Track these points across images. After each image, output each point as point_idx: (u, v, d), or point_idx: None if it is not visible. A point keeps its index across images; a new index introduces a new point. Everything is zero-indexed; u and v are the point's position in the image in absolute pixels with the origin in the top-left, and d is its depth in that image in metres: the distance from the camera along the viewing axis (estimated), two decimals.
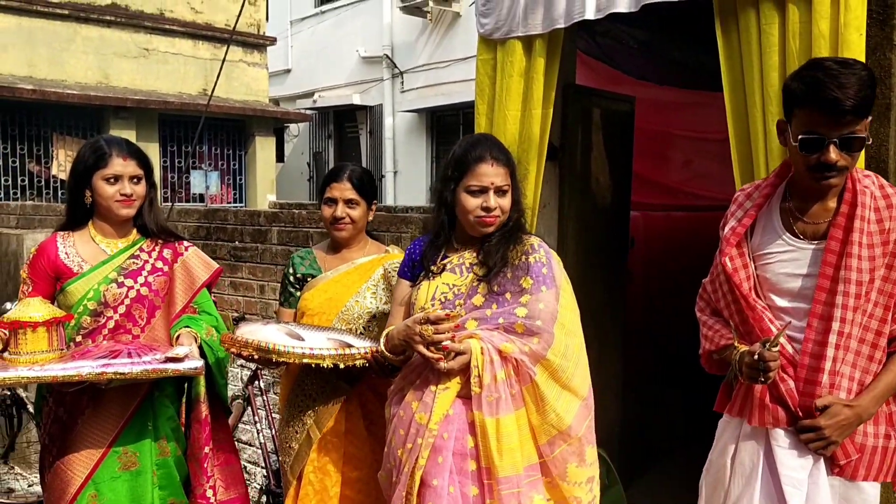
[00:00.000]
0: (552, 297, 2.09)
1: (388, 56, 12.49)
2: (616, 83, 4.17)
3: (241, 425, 4.28)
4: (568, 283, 2.18)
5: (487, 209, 2.12)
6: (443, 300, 2.16)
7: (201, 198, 11.67)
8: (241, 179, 12.13)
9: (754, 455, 1.97)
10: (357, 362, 2.32)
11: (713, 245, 2.12)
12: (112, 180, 2.41)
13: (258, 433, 3.89)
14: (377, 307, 2.54)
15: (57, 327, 2.26)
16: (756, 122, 2.36)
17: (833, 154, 1.79)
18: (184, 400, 2.59)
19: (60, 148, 10.35)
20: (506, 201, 2.15)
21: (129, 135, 9.43)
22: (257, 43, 12.03)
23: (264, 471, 3.90)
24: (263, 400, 3.93)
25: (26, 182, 10.18)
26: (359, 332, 2.50)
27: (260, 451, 3.90)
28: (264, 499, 3.82)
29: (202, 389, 2.48)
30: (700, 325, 2.17)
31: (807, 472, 1.89)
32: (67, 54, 10.24)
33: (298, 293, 2.62)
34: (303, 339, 2.35)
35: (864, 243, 1.83)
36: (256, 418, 3.89)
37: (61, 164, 10.32)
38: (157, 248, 2.54)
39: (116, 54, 10.64)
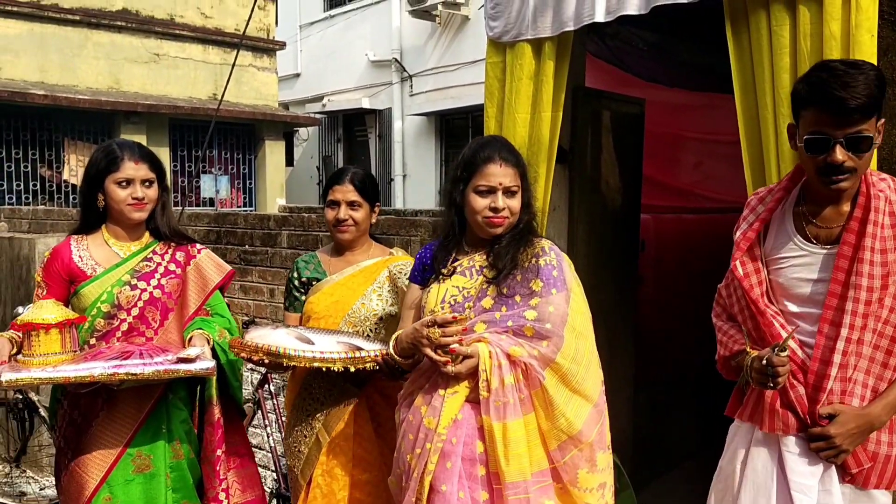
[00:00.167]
0: (562, 300, 2.08)
1: (397, 60, 12.51)
2: (626, 86, 4.16)
3: (251, 429, 4.29)
4: (579, 285, 2.17)
5: (496, 209, 2.11)
6: (452, 303, 2.16)
7: (211, 202, 11.72)
8: (250, 183, 12.18)
9: (768, 462, 1.94)
10: (367, 365, 2.32)
11: (724, 248, 2.11)
12: (124, 184, 2.42)
13: (268, 437, 3.89)
14: (383, 309, 2.54)
15: (70, 329, 2.28)
16: (767, 124, 2.35)
17: (839, 154, 1.76)
18: (197, 402, 2.60)
19: (72, 153, 10.43)
20: (515, 202, 2.14)
21: (140, 139, 9.49)
22: (267, 47, 12.08)
23: (274, 474, 3.91)
24: (273, 403, 3.94)
25: (38, 187, 10.26)
26: (366, 334, 2.51)
27: (270, 455, 3.90)
28: (274, 502, 3.83)
29: (214, 392, 2.49)
30: (716, 331, 2.15)
31: (817, 479, 1.86)
32: (79, 60, 10.31)
33: (304, 297, 2.63)
34: (313, 343, 2.36)
35: (878, 248, 1.80)
36: (266, 422, 3.90)
37: (73, 168, 10.38)
38: (170, 251, 2.55)
39: (127, 59, 10.72)
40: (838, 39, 2.18)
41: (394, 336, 2.24)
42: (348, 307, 2.53)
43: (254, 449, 4.36)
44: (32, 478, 4.33)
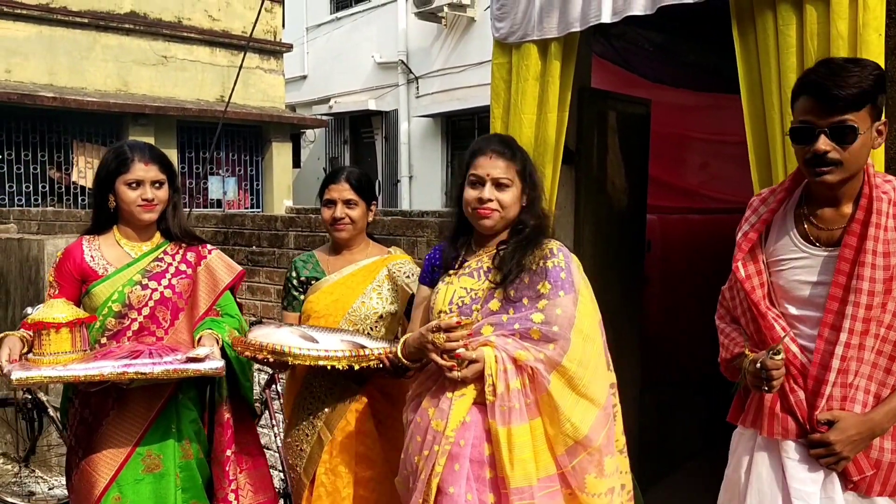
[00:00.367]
0: (570, 303, 2.07)
1: (403, 61, 12.53)
2: (632, 86, 4.16)
3: (258, 429, 4.29)
4: (588, 288, 2.16)
5: (481, 200, 2.12)
6: (460, 304, 2.15)
7: (219, 203, 11.75)
8: (258, 185, 12.22)
9: (771, 468, 1.90)
10: (371, 363, 2.33)
11: (730, 248, 2.10)
12: (134, 185, 2.44)
13: (275, 437, 3.90)
14: (384, 307, 2.55)
15: (80, 328, 2.29)
16: (774, 124, 2.34)
17: (821, 144, 1.74)
18: (207, 403, 2.61)
19: (80, 155, 10.48)
20: (505, 195, 2.13)
21: (148, 141, 9.46)
22: (274, 49, 12.12)
23: (281, 474, 3.92)
24: (281, 403, 3.95)
25: (47, 188, 10.32)
26: (366, 332, 2.52)
27: (277, 455, 3.92)
28: (282, 502, 3.84)
29: (224, 392, 2.50)
30: (718, 333, 2.12)
31: (818, 485, 1.83)
32: (87, 62, 10.37)
33: (302, 296, 2.63)
34: (317, 342, 2.37)
35: (880, 251, 1.76)
36: (274, 422, 3.91)
37: (81, 170, 10.44)
38: (181, 252, 2.56)
39: (135, 62, 10.77)
40: (845, 39, 2.18)
41: (402, 340, 2.24)
42: (348, 306, 2.54)
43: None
44: (41, 477, 4.35)
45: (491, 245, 2.20)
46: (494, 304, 2.12)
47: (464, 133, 11.84)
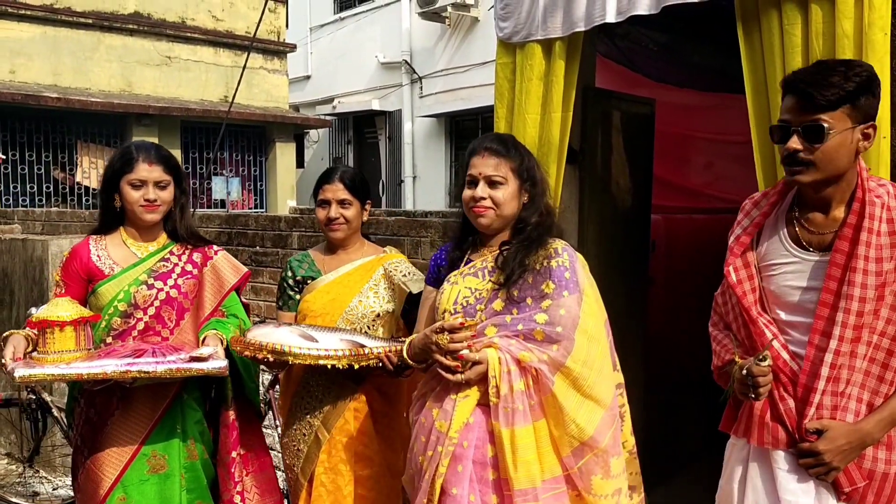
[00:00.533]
0: (574, 303, 2.06)
1: (406, 61, 12.53)
2: (636, 86, 4.15)
3: (262, 429, 4.29)
4: (593, 287, 2.15)
5: (475, 198, 2.13)
6: (464, 304, 2.15)
7: (222, 203, 11.77)
8: (261, 185, 12.23)
9: (766, 479, 1.86)
10: (371, 362, 2.34)
11: None
12: (137, 185, 2.44)
13: (279, 438, 3.90)
14: (381, 306, 2.56)
15: (84, 327, 2.30)
16: None
17: (792, 142, 1.72)
18: (211, 403, 2.61)
19: (85, 155, 10.51)
20: (499, 193, 2.13)
21: (152, 141, 9.53)
22: (277, 50, 12.13)
23: (284, 474, 3.92)
24: None
25: (51, 189, 10.34)
26: (364, 331, 2.52)
27: (280, 456, 3.92)
28: (285, 502, 3.84)
29: (229, 392, 2.50)
30: (711, 341, 2.09)
31: (811, 497, 1.79)
32: (91, 63, 10.39)
33: (298, 296, 2.64)
34: (317, 341, 2.37)
35: (872, 257, 1.71)
36: (277, 423, 3.91)
37: (85, 171, 10.46)
38: (188, 252, 2.57)
39: (139, 62, 10.79)
40: (851, 38, 2.17)
41: (407, 340, 2.24)
42: (345, 304, 2.54)
43: None
44: (45, 478, 4.36)
45: (494, 244, 2.20)
46: (498, 305, 2.12)
47: (468, 133, 11.84)
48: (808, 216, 1.84)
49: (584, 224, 3.42)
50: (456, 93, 11.72)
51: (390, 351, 2.32)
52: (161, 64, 11.01)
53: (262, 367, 2.64)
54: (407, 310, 2.59)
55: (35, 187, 10.20)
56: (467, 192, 2.16)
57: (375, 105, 13.08)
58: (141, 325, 2.46)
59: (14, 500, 4.08)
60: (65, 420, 3.65)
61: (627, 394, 2.28)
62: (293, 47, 12.52)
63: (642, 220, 3.99)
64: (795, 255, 1.84)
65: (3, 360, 2.24)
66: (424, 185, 12.63)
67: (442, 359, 2.05)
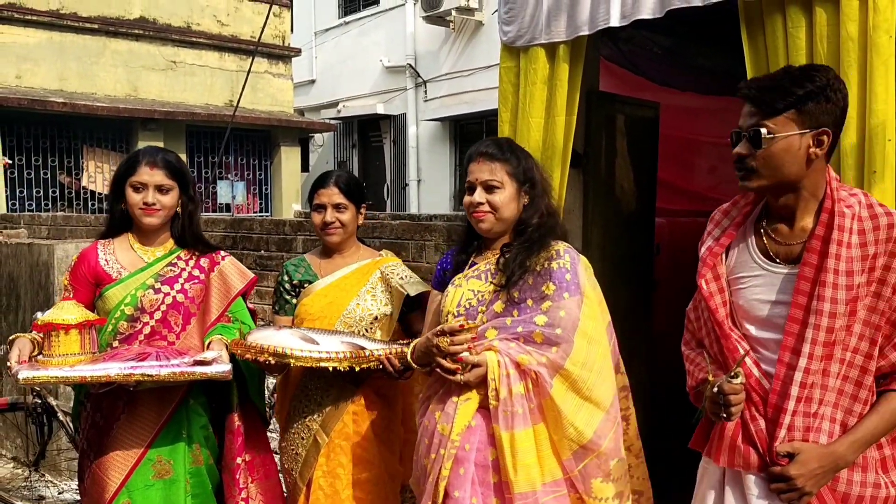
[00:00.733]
0: (574, 305, 2.06)
1: (411, 65, 12.55)
2: (640, 90, 4.16)
3: (268, 436, 4.29)
4: (595, 290, 2.15)
5: (472, 204, 2.15)
6: (467, 307, 2.16)
7: (228, 207, 11.80)
8: (266, 189, 12.26)
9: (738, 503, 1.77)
10: (371, 364, 2.35)
11: None
12: (138, 188, 2.45)
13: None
14: (378, 309, 2.56)
15: (90, 331, 2.30)
16: None
17: (739, 147, 1.69)
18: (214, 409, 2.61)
19: (90, 159, 10.55)
20: (496, 197, 2.14)
21: (157, 146, 9.58)
22: (282, 54, 12.16)
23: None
24: None
25: (57, 193, 10.38)
26: (362, 334, 2.53)
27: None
28: None
29: (234, 398, 2.50)
30: (684, 360, 2.00)
31: None
32: (97, 67, 10.44)
33: (294, 300, 2.64)
34: (317, 343, 2.38)
35: (843, 270, 1.63)
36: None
37: (91, 175, 10.50)
38: (195, 258, 2.57)
39: (145, 67, 10.83)
40: (855, 41, 2.16)
41: (412, 344, 2.25)
42: (343, 308, 2.55)
43: None
44: (51, 482, 4.36)
45: (497, 247, 2.21)
46: (499, 306, 2.12)
47: (472, 137, 11.84)
48: (776, 226, 1.77)
49: (588, 227, 3.42)
50: (460, 96, 11.73)
51: (391, 353, 2.33)
52: (166, 69, 11.05)
53: (269, 372, 2.64)
54: (404, 312, 2.60)
55: (41, 192, 10.24)
56: (466, 199, 2.18)
57: (380, 109, 13.10)
58: (147, 330, 2.46)
59: (19, 503, 4.09)
60: (70, 424, 3.66)
61: (632, 396, 2.27)
62: (298, 51, 12.55)
63: (646, 224, 3.98)
64: (764, 267, 1.76)
65: (8, 363, 2.25)
66: (429, 188, 12.64)
67: (442, 361, 2.05)
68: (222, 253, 2.63)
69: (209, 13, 11.42)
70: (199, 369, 2.28)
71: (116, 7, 10.55)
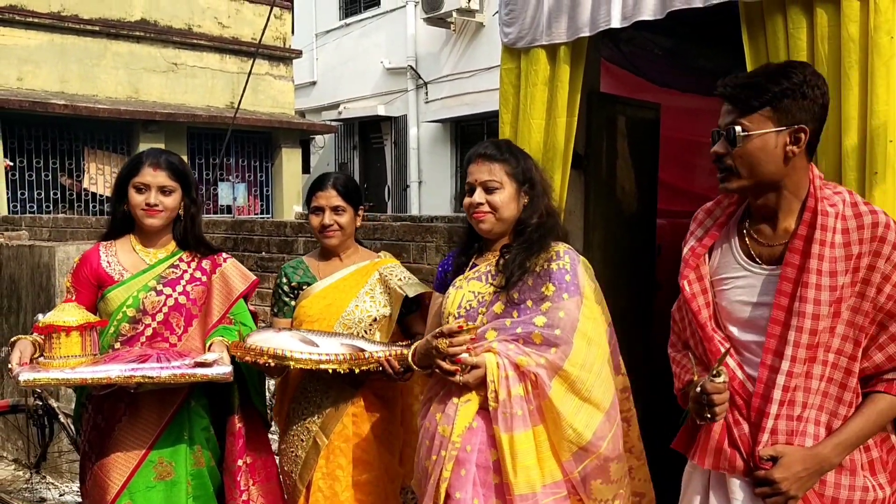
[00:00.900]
0: (574, 306, 2.06)
1: (412, 67, 12.56)
2: (641, 91, 4.15)
3: (269, 438, 4.29)
4: (595, 291, 2.15)
5: (472, 205, 2.15)
6: (468, 308, 2.16)
7: (229, 209, 11.81)
8: (267, 191, 12.26)
9: None
10: (371, 366, 2.35)
11: None
12: (140, 189, 2.46)
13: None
14: (377, 311, 2.56)
15: (91, 332, 2.30)
16: None
17: (717, 146, 1.68)
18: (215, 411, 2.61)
19: (91, 161, 10.55)
20: (496, 198, 2.14)
21: (158, 147, 9.59)
22: (283, 56, 12.17)
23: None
24: None
25: (58, 195, 10.39)
26: (361, 336, 2.53)
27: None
28: None
29: (236, 400, 2.51)
30: (671, 363, 1.99)
31: None
32: (98, 69, 10.45)
33: (293, 302, 2.65)
34: (317, 345, 2.38)
35: (826, 271, 1.60)
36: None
37: (92, 177, 10.51)
38: (197, 259, 2.58)
39: (146, 69, 10.84)
40: (857, 42, 2.16)
41: (413, 346, 2.25)
42: (342, 309, 2.55)
43: None
44: (52, 484, 4.36)
45: (496, 248, 2.21)
46: (499, 307, 2.13)
47: (473, 138, 11.84)
48: (758, 227, 1.74)
49: (589, 229, 3.42)
50: (461, 98, 11.74)
51: (391, 355, 2.33)
52: (167, 70, 11.06)
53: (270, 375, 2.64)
54: (403, 314, 2.60)
55: (42, 194, 10.25)
56: (466, 200, 2.19)
57: (381, 110, 13.11)
58: (149, 332, 2.47)
59: None
60: (71, 426, 3.66)
61: (633, 397, 2.27)
62: (299, 53, 12.56)
63: (648, 225, 3.98)
64: (746, 268, 1.74)
65: (9, 365, 2.25)
66: (430, 190, 12.65)
67: (442, 363, 2.06)
68: (224, 255, 2.63)
69: (210, 15, 11.43)
70: (200, 371, 2.28)
71: (117, 9, 10.56)
